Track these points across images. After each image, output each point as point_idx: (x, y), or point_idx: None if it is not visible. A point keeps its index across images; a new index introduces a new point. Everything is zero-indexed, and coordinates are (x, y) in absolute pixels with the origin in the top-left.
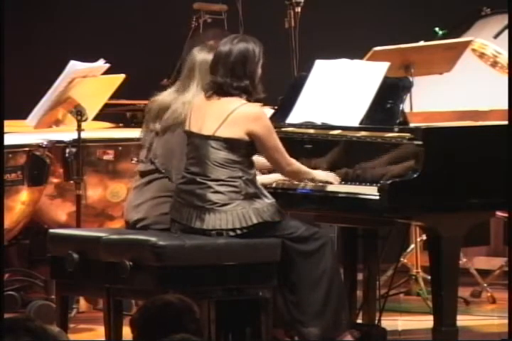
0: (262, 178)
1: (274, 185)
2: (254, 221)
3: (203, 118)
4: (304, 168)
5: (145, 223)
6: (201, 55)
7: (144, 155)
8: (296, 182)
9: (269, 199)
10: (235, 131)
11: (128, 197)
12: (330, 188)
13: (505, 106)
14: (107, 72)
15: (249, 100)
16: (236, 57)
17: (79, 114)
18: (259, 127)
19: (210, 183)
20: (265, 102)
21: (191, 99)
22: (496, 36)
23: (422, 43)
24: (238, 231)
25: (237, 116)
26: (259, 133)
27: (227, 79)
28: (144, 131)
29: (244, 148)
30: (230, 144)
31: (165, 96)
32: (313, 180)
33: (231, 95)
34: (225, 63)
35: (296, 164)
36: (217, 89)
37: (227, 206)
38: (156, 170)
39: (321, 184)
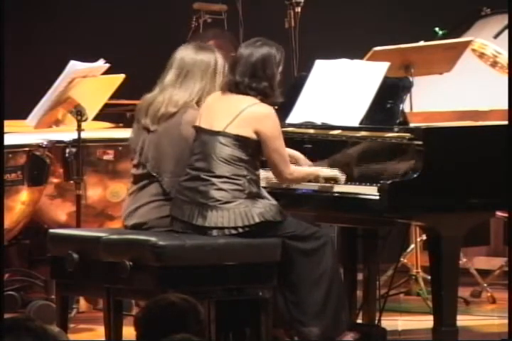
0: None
1: (272, 185)
2: (257, 220)
3: (214, 114)
4: (304, 171)
5: (144, 227)
6: (183, 52)
7: (136, 160)
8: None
9: (270, 200)
10: (245, 130)
11: (124, 204)
12: (330, 188)
13: (505, 106)
14: (107, 72)
15: (263, 101)
16: (257, 58)
17: (79, 114)
18: (267, 127)
19: (213, 180)
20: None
21: (171, 95)
22: (496, 36)
23: (422, 43)
24: (240, 230)
25: (248, 114)
26: (267, 132)
27: (246, 79)
28: (133, 132)
29: (252, 148)
30: (238, 141)
31: (150, 94)
32: (317, 177)
33: (246, 94)
34: (246, 64)
35: (297, 171)
36: (234, 88)
37: (229, 204)
38: (149, 174)
39: (327, 184)
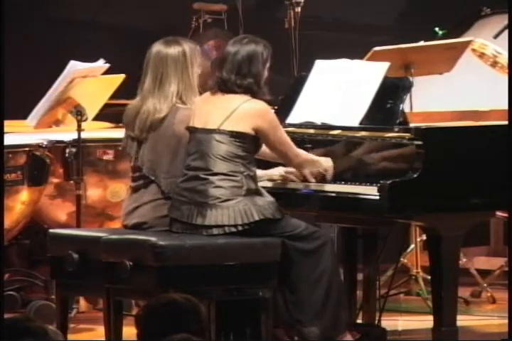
0: (266, 172)
1: (272, 184)
2: (256, 218)
3: (207, 113)
4: (310, 156)
5: (145, 227)
6: (155, 48)
7: (132, 164)
8: (296, 183)
9: (269, 198)
10: (241, 126)
11: (123, 204)
12: (330, 188)
13: (505, 106)
14: (107, 72)
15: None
16: (243, 56)
17: (79, 114)
18: (264, 122)
19: (211, 178)
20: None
21: (153, 103)
22: (496, 36)
23: (422, 43)
24: (240, 228)
25: (242, 111)
26: (265, 128)
27: (232, 76)
28: (126, 139)
29: (248, 143)
30: (234, 137)
31: (133, 104)
32: (320, 166)
33: (235, 93)
34: (232, 61)
35: (303, 155)
36: (222, 86)
37: (229, 202)
38: (146, 176)
39: (321, 183)
